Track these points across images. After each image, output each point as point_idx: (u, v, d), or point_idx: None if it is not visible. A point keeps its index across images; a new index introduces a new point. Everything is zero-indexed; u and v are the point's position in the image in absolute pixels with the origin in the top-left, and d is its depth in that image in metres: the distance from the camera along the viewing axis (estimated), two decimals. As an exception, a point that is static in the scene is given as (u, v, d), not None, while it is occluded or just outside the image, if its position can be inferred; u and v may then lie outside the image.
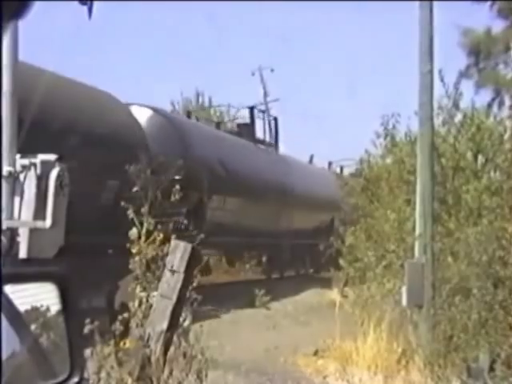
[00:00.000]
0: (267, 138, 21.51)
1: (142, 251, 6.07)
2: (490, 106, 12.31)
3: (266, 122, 21.72)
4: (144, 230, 6.49)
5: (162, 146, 14.09)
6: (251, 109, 21.36)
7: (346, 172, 24.61)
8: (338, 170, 27.24)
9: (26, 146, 6.11)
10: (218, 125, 21.89)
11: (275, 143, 21.73)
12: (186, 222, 11.79)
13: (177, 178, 11.85)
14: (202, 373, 5.88)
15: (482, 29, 12.36)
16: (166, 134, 15.27)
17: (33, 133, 5.81)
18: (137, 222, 6.46)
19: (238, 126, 21.88)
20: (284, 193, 20.29)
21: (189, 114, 21.55)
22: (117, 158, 11.27)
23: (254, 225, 18.88)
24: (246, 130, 20.64)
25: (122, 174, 10.04)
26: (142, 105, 15.71)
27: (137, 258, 6.16)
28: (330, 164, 29.04)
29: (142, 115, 14.99)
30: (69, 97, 11.73)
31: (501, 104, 12.34)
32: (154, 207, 7.25)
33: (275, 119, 22.09)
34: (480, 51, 12.12)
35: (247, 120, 21.60)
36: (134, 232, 6.15)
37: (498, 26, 12.33)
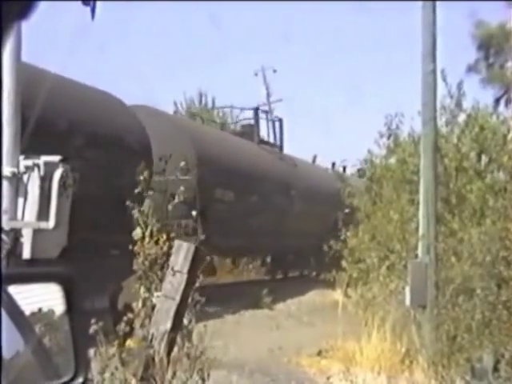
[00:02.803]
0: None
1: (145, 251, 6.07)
2: (497, 101, 12.16)
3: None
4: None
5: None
6: (358, 170, 31.48)
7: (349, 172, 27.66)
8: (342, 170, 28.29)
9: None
10: (333, 166, 29.45)
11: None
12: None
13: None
14: (206, 373, 5.87)
15: (496, 22, 12.09)
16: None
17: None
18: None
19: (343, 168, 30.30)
20: None
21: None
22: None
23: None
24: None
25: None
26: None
27: (140, 259, 6.15)
28: (333, 165, 29.34)
29: None
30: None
31: (508, 101, 12.22)
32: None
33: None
34: (491, 45, 11.86)
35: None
36: (137, 232, 6.15)
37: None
